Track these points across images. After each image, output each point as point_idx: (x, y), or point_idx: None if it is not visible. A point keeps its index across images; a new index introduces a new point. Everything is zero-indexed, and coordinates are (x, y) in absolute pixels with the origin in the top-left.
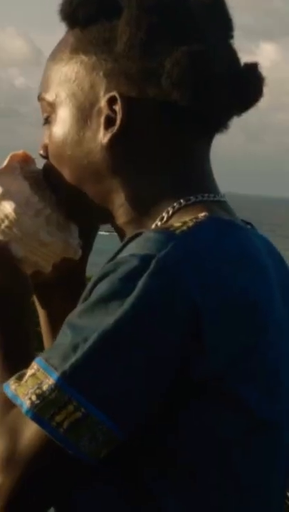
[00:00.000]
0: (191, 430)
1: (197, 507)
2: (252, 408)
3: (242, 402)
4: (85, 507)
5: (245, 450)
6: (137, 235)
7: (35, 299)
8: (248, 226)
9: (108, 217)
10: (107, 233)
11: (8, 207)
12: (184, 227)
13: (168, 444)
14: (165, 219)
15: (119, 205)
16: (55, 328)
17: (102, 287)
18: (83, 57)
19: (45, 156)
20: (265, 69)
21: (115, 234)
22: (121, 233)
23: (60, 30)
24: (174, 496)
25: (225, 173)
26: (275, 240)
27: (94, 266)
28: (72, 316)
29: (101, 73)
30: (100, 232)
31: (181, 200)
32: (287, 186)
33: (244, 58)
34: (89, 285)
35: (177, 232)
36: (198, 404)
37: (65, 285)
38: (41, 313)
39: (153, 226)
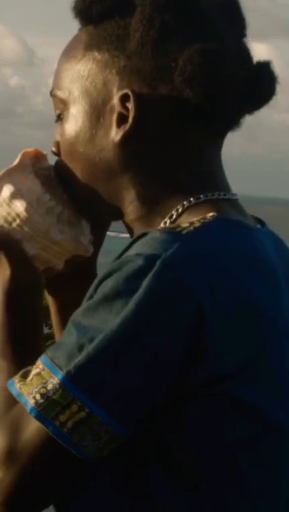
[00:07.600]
0: (194, 431)
1: (200, 509)
2: (259, 412)
3: (248, 405)
4: (86, 504)
5: (252, 454)
6: (143, 235)
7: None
8: (258, 226)
9: (119, 214)
10: (112, 233)
11: (19, 206)
12: (191, 228)
13: (172, 444)
14: (174, 217)
15: (130, 202)
16: (65, 320)
17: (107, 286)
18: (96, 55)
19: (57, 153)
20: None
21: (121, 235)
22: (130, 230)
23: (54, 30)
24: (176, 497)
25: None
26: None
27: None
28: (77, 315)
29: (114, 70)
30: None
31: (191, 199)
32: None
33: None
34: (94, 283)
35: (184, 232)
36: (202, 405)
37: (76, 278)
38: (52, 306)
39: (162, 224)
